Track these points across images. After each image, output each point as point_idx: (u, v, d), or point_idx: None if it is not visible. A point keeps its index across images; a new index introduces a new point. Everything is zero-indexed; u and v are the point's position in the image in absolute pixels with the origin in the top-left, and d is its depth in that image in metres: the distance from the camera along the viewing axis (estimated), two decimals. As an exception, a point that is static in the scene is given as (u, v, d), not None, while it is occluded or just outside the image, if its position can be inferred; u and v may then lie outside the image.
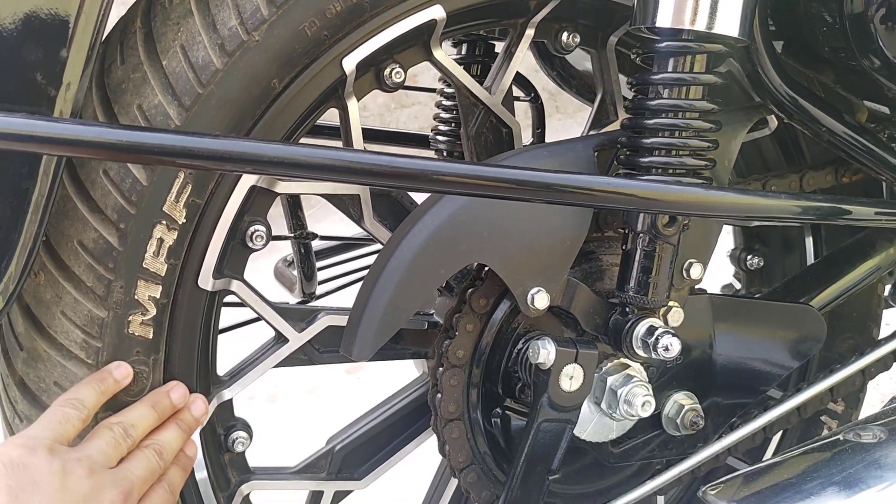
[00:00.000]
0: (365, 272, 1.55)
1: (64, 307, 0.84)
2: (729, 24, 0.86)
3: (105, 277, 0.83)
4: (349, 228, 1.57)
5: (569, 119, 5.17)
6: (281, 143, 0.87)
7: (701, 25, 0.86)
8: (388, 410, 1.10)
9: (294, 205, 1.26)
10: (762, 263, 1.34)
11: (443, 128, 1.31)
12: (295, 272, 1.37)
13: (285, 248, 1.41)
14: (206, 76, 0.82)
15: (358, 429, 1.08)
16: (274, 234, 0.96)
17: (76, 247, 0.83)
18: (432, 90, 1.35)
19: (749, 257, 1.33)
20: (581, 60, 1.40)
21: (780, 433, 1.31)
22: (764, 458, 1.32)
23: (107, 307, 0.84)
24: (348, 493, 1.08)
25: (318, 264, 1.39)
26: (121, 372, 0.86)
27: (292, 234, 1.26)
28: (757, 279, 1.36)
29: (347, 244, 1.58)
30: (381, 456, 1.09)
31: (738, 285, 1.41)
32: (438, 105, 1.33)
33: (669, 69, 0.89)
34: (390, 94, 4.71)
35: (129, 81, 0.83)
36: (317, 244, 1.41)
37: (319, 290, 1.40)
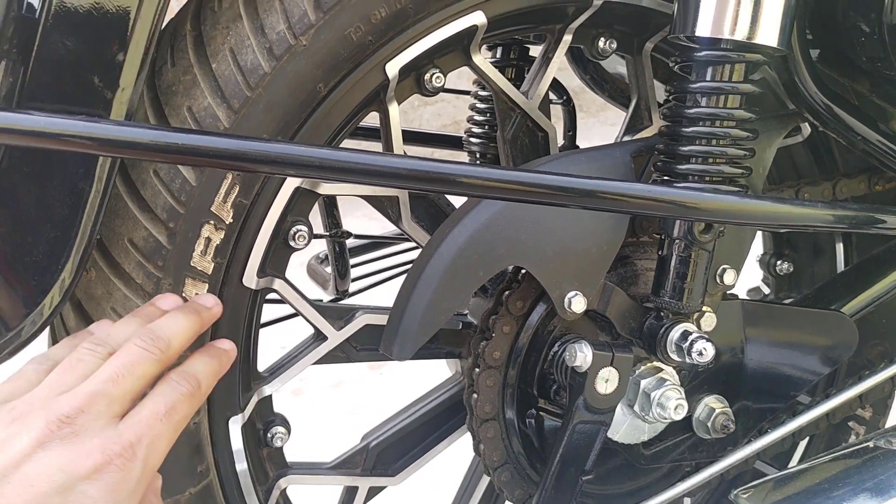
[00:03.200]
0: (394, 270, 1.58)
1: (114, 303, 0.86)
2: (769, 33, 0.87)
3: (154, 275, 0.85)
4: (372, 226, 1.60)
5: (591, 118, 5.16)
6: (328, 147, 0.89)
7: (741, 35, 0.86)
8: (422, 408, 1.11)
9: (330, 204, 1.28)
10: (791, 269, 1.34)
11: (476, 130, 1.33)
12: (328, 269, 1.39)
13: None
14: (254, 79, 0.84)
15: (392, 426, 1.09)
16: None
17: (127, 245, 0.85)
18: (466, 93, 1.37)
19: (779, 262, 1.33)
20: (613, 64, 1.41)
21: (807, 438, 1.32)
22: (791, 463, 1.33)
23: (155, 304, 0.86)
24: (382, 489, 1.10)
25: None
26: None
27: (328, 233, 1.28)
28: (786, 284, 1.36)
29: (377, 242, 1.60)
30: (415, 453, 1.10)
31: (765, 290, 1.41)
32: (472, 108, 1.34)
33: (708, 78, 0.90)
34: (413, 92, 4.73)
35: (179, 84, 0.85)
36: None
37: (351, 287, 1.42)
